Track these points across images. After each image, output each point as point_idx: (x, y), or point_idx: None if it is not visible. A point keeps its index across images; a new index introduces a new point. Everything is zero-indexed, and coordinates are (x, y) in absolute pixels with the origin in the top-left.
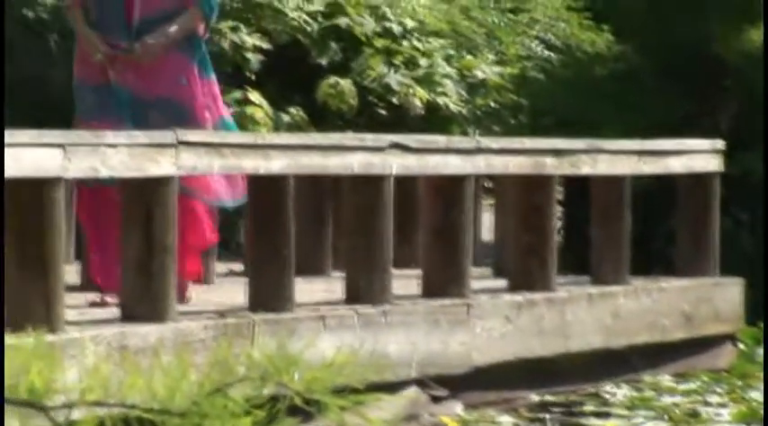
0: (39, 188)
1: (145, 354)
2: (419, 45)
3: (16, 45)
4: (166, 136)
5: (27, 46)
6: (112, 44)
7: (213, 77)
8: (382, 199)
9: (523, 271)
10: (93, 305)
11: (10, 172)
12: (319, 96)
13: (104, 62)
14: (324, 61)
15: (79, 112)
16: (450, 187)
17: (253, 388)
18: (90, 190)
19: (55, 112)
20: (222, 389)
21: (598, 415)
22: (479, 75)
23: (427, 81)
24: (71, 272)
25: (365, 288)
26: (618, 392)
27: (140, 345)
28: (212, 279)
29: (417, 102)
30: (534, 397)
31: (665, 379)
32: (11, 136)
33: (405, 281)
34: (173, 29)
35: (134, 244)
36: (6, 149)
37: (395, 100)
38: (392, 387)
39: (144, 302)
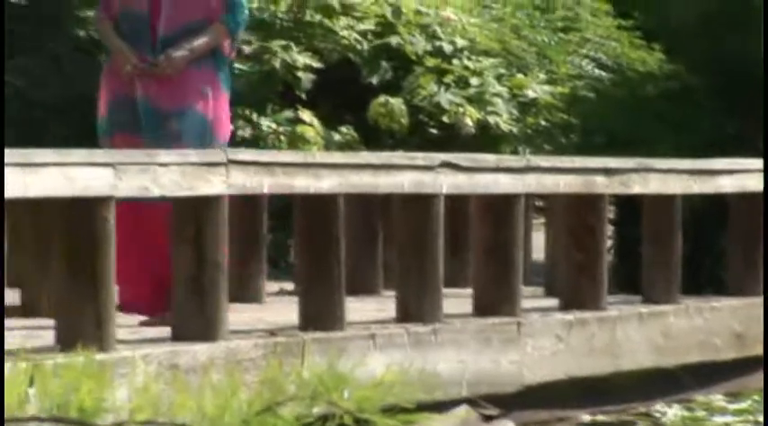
0: (89, 207)
1: (195, 373)
2: (470, 64)
3: (66, 64)
4: (217, 154)
5: (77, 65)
6: (140, 59)
7: (228, 95)
8: (433, 217)
9: (574, 290)
10: (143, 324)
11: (61, 191)
12: (370, 115)
13: (133, 74)
14: (375, 80)
15: (110, 128)
16: (500, 206)
17: (303, 407)
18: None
19: None
20: (272, 408)
21: None
22: (530, 94)
23: (478, 100)
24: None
25: (416, 307)
26: (669, 411)
27: (191, 364)
28: (263, 298)
29: (468, 121)
30: (585, 416)
31: (717, 399)
32: (62, 155)
33: (456, 300)
34: (197, 42)
35: (185, 262)
36: (58, 168)
37: (446, 119)
38: (442, 406)
39: (194, 321)
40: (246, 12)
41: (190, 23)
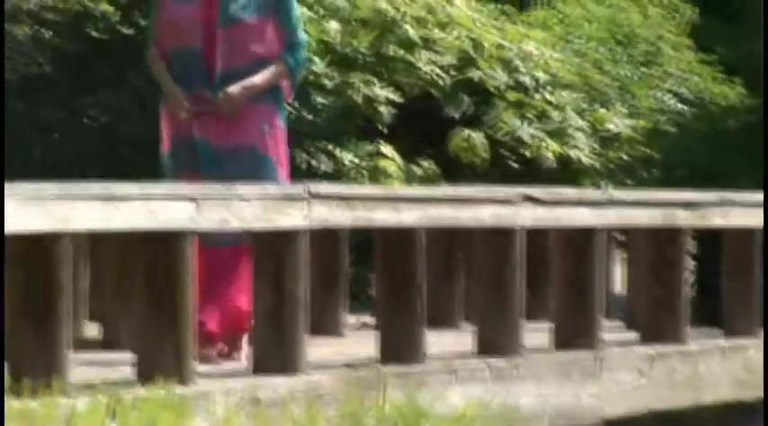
0: (170, 240)
1: (275, 407)
2: (551, 98)
3: (149, 99)
4: (298, 188)
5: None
6: (195, 96)
7: (286, 134)
8: (513, 251)
9: (655, 324)
10: (221, 356)
11: (143, 224)
12: (451, 149)
13: (189, 118)
14: (456, 114)
15: (175, 165)
16: (581, 239)
17: None
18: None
19: None
20: None
21: None
22: (612, 128)
23: (559, 134)
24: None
25: (496, 340)
26: None
27: (271, 397)
28: (343, 331)
29: (549, 155)
30: None
31: None
32: (144, 188)
33: (536, 333)
34: (256, 80)
35: (265, 296)
36: (140, 202)
37: (527, 153)
38: None
39: (275, 354)
40: (305, 51)
41: (249, 61)
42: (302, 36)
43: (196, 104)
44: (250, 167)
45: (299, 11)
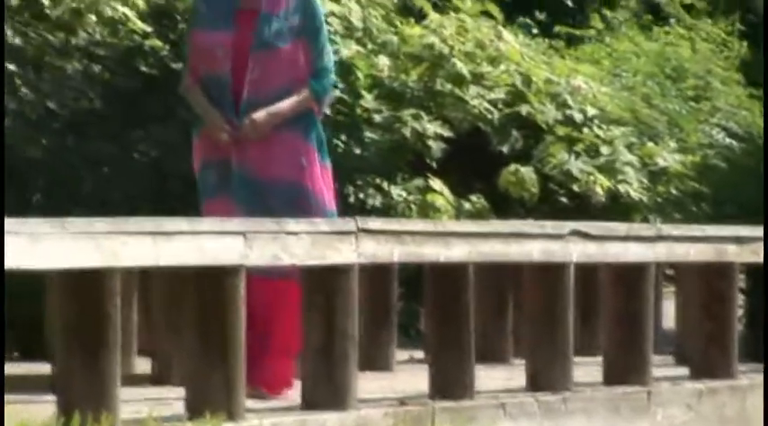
0: (221, 275)
1: None
2: (601, 133)
3: None
4: (347, 223)
5: None
6: (228, 122)
7: (329, 164)
8: (563, 286)
9: (705, 359)
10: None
11: (192, 260)
12: (500, 184)
13: (228, 142)
14: (505, 149)
15: (203, 193)
16: (631, 274)
17: None
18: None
19: None
20: None
21: None
22: (661, 162)
23: (609, 168)
24: None
25: (546, 375)
26: None
27: None
28: (393, 366)
29: (599, 190)
30: None
31: None
32: (193, 223)
33: (586, 368)
34: (282, 106)
35: (315, 331)
36: (189, 237)
37: (576, 187)
38: None
39: (324, 389)
40: (333, 76)
41: (276, 88)
42: (330, 61)
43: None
44: (290, 202)
45: (329, 35)
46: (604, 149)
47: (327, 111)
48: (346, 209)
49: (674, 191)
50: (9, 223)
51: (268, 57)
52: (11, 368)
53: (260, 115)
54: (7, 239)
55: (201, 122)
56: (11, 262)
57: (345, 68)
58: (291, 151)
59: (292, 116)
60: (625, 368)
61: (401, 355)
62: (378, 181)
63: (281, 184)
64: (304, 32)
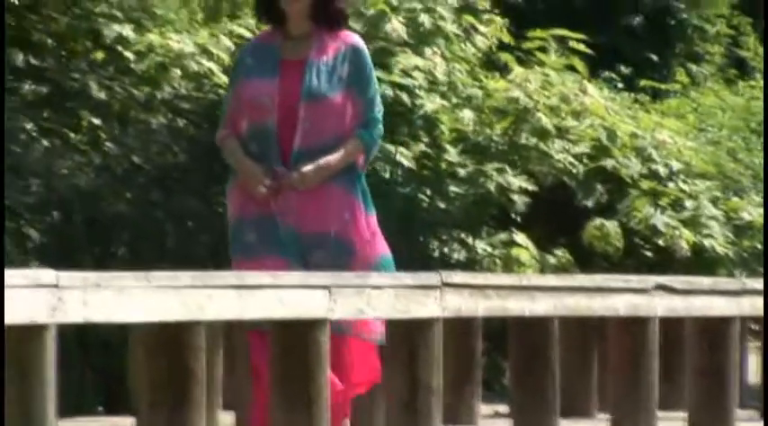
0: (304, 329)
1: None
2: (685, 187)
3: None
4: (431, 277)
5: None
6: (271, 174)
7: (374, 213)
8: (647, 340)
9: None
10: None
11: (276, 313)
12: (585, 238)
13: (268, 196)
14: (590, 203)
15: (239, 251)
16: (715, 328)
17: None
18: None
19: None
20: None
21: None
22: (746, 216)
23: (693, 223)
24: None
25: None
26: None
27: None
28: (476, 420)
29: (683, 244)
30: None
31: None
32: (277, 277)
33: (669, 423)
34: (331, 158)
35: (399, 384)
36: (273, 290)
37: (661, 242)
38: None
39: None
40: (381, 127)
41: (325, 138)
42: (380, 111)
43: (274, 180)
44: (334, 256)
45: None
46: (689, 203)
47: (411, 165)
48: (430, 263)
49: (758, 246)
50: (95, 276)
51: (318, 107)
52: (95, 422)
53: (310, 169)
54: (94, 292)
55: (236, 174)
56: (97, 315)
57: (430, 122)
58: (335, 205)
59: (340, 167)
60: (709, 423)
61: (485, 409)
62: (462, 235)
63: (326, 239)
64: (353, 82)
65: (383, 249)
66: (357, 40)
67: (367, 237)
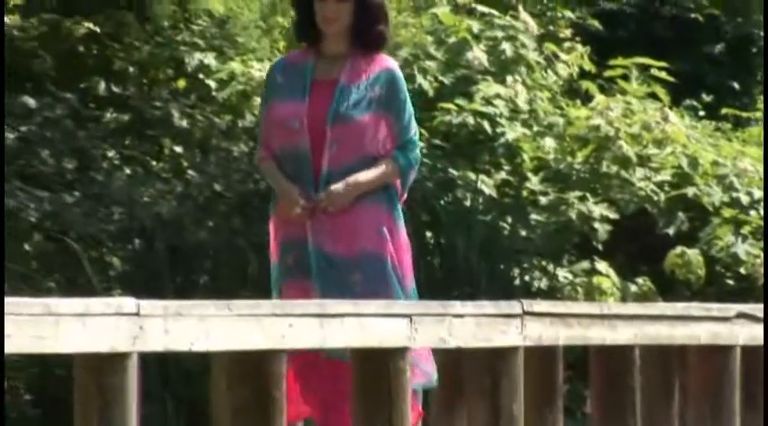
0: (385, 358)
1: None
2: None
3: None
4: (513, 306)
5: None
6: (305, 197)
7: (406, 238)
8: (729, 368)
9: None
10: None
11: (357, 342)
12: (666, 266)
13: (303, 217)
14: (671, 231)
15: (282, 277)
16: None
17: None
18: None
19: None
20: None
21: None
22: None
23: None
24: None
25: None
26: None
27: None
28: None
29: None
30: None
31: None
32: (358, 306)
33: None
34: (360, 177)
35: (481, 413)
36: (354, 319)
37: (743, 270)
38: None
39: None
40: (418, 152)
41: (353, 160)
42: (416, 134)
43: (309, 201)
44: (371, 278)
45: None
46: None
47: (492, 193)
48: (511, 291)
49: None
50: (176, 304)
51: (346, 130)
52: None
53: (338, 187)
54: (175, 320)
55: (276, 197)
56: (178, 344)
57: (511, 150)
58: (372, 222)
59: (372, 188)
60: None
61: None
62: (543, 263)
63: (361, 259)
64: (388, 105)
65: (412, 283)
66: (392, 65)
67: (404, 263)
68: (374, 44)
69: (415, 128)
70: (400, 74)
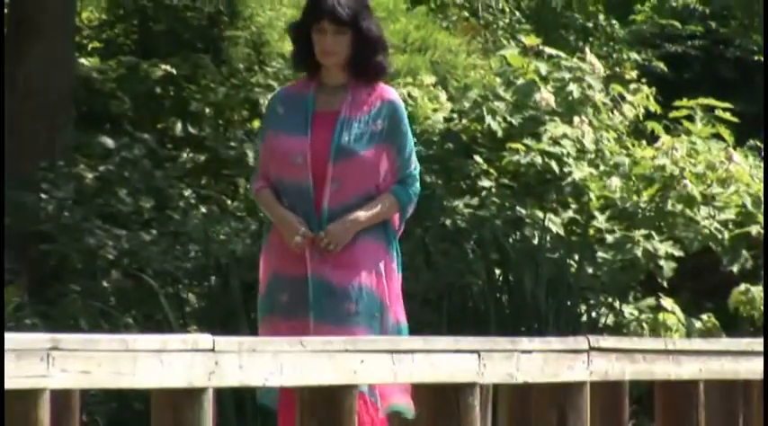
0: (454, 393)
1: None
2: None
3: (434, 253)
4: (580, 341)
5: (445, 254)
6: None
7: (400, 277)
8: None
9: None
10: None
11: (427, 377)
12: (731, 303)
13: (303, 246)
14: (735, 268)
15: (270, 312)
16: None
17: None
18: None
19: (474, 319)
20: None
21: None
22: None
23: None
24: None
25: None
26: None
27: None
28: None
29: None
30: None
31: None
32: (428, 342)
33: None
34: (362, 215)
35: None
36: (424, 355)
37: None
38: None
39: None
40: (419, 185)
41: (355, 196)
42: (416, 168)
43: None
44: (365, 311)
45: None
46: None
47: (560, 231)
48: (577, 327)
49: None
50: (251, 340)
51: (348, 165)
52: None
53: (338, 227)
54: (249, 356)
55: (271, 227)
56: (253, 379)
57: (578, 190)
58: (370, 259)
59: (371, 223)
60: None
61: None
62: (609, 299)
63: (358, 290)
64: (389, 139)
65: (402, 317)
66: (394, 96)
67: (393, 295)
68: (373, 75)
69: (415, 162)
70: (401, 104)
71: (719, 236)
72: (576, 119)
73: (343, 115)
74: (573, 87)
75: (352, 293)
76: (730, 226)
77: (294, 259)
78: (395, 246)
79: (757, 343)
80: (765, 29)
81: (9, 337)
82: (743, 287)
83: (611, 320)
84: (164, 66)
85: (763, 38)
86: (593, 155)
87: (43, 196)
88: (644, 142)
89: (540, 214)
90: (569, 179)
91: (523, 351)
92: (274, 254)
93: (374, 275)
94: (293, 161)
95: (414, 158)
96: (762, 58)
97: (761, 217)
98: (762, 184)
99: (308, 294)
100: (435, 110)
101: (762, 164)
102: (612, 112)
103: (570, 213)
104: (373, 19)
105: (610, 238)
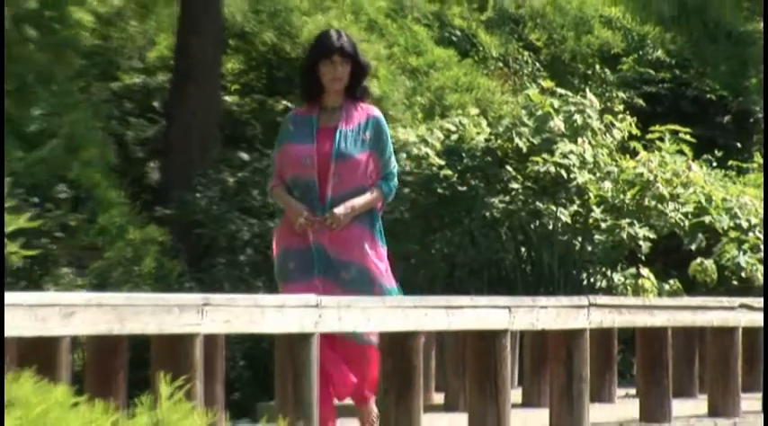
0: (492, 338)
1: None
2: (761, 235)
3: (478, 236)
4: (582, 300)
5: (486, 237)
6: (309, 213)
7: (385, 247)
8: (734, 343)
9: None
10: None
11: (472, 326)
12: (690, 272)
13: (306, 226)
14: (693, 247)
15: (283, 278)
16: None
17: None
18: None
19: (506, 284)
20: None
21: None
22: None
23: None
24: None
25: (722, 406)
26: None
27: None
28: (614, 399)
29: (759, 276)
30: None
31: None
32: (474, 300)
33: (750, 401)
34: (357, 202)
35: (560, 376)
36: (470, 310)
37: (744, 274)
38: None
39: (567, 418)
40: (396, 180)
41: (351, 188)
42: (395, 167)
43: (313, 216)
44: (357, 279)
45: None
46: (763, 247)
47: (568, 220)
48: (581, 290)
49: None
50: (347, 299)
51: (346, 165)
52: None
53: (340, 210)
54: (345, 311)
55: (283, 214)
56: (348, 327)
57: (581, 190)
58: (358, 239)
59: (363, 210)
60: None
61: (620, 392)
62: (603, 269)
63: (350, 264)
64: (374, 145)
65: (390, 281)
66: (377, 112)
67: (382, 268)
68: (362, 96)
69: (394, 163)
70: (383, 119)
71: (682, 224)
72: (580, 140)
73: (341, 129)
74: (577, 117)
75: (344, 266)
76: (690, 217)
77: (299, 236)
78: (378, 228)
79: (709, 301)
80: (765, 29)
81: (174, 296)
82: (699, 260)
83: (604, 284)
84: (284, 102)
85: (763, 40)
86: (591, 166)
87: (198, 195)
88: (628, 156)
89: (553, 208)
90: (574, 183)
91: (542, 307)
92: (284, 234)
93: (361, 253)
94: (303, 162)
95: (393, 160)
96: (713, 97)
97: (712, 210)
98: (712, 186)
99: (313, 258)
100: (478, 133)
101: (712, 172)
102: (605, 135)
103: (575, 207)
104: (361, 54)
105: (603, 225)
